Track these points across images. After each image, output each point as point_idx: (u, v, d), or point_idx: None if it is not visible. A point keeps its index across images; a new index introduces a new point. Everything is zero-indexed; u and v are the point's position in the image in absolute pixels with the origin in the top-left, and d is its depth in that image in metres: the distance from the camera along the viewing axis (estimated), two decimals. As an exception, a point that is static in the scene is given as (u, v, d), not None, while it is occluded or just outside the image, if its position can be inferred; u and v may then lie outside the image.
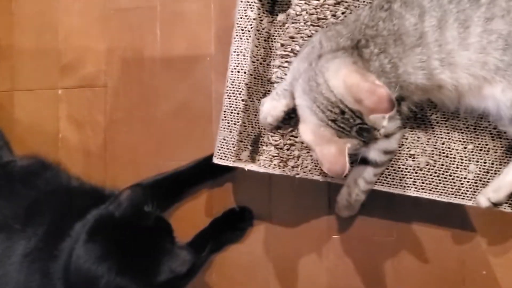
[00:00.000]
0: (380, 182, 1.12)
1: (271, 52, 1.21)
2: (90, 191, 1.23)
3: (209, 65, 1.39)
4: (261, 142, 1.20)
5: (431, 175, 1.11)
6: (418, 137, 1.12)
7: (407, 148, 1.12)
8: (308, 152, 1.14)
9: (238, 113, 1.14)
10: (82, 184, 1.26)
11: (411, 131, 1.12)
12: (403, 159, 1.12)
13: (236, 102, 1.15)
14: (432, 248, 1.21)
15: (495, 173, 1.08)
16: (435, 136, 1.12)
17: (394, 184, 1.12)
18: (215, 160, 1.16)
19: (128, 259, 0.94)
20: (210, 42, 1.39)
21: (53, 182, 1.23)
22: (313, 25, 1.14)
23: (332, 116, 0.88)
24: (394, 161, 1.12)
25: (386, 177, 1.12)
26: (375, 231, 1.24)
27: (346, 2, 1.14)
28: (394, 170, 1.12)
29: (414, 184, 1.11)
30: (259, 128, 1.21)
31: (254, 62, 1.18)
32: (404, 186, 1.12)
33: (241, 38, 1.14)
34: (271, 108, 1.11)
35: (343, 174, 0.86)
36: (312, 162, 1.15)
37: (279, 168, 1.14)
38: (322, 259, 1.26)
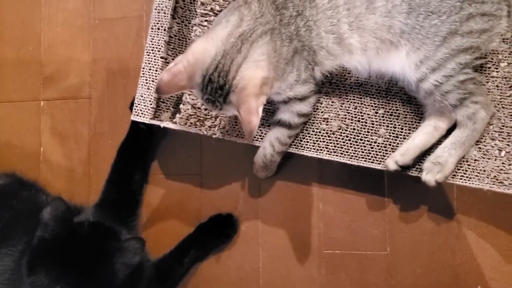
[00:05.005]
0: (294, 145, 1.14)
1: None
2: None
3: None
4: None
5: (343, 138, 1.12)
6: (332, 102, 1.14)
7: (321, 112, 1.14)
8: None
9: (156, 70, 1.15)
10: None
11: (326, 96, 1.14)
12: (317, 123, 1.14)
13: (155, 60, 1.15)
14: (425, 262, 1.19)
15: (404, 138, 1.10)
16: (348, 101, 1.14)
17: (308, 147, 1.13)
18: (133, 117, 1.16)
19: (78, 274, 0.91)
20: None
21: (30, 202, 1.17)
22: (234, -13, 1.15)
23: (214, 78, 0.91)
24: (308, 125, 1.14)
25: (301, 141, 1.14)
26: (368, 246, 1.22)
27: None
28: (308, 133, 1.14)
29: (326, 148, 1.13)
30: (181, 90, 1.21)
31: (178, 23, 1.19)
32: (317, 149, 1.13)
33: (162, -4, 1.15)
34: None
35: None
36: (229, 123, 1.16)
37: (196, 127, 1.15)
38: (313, 273, 1.23)
